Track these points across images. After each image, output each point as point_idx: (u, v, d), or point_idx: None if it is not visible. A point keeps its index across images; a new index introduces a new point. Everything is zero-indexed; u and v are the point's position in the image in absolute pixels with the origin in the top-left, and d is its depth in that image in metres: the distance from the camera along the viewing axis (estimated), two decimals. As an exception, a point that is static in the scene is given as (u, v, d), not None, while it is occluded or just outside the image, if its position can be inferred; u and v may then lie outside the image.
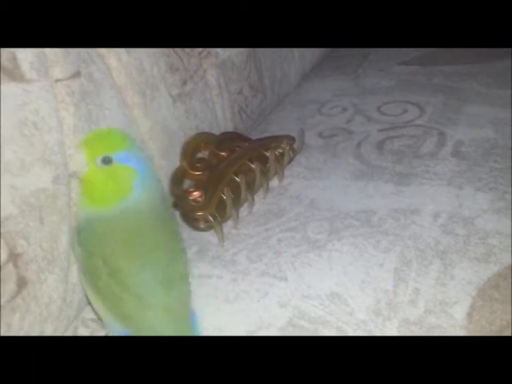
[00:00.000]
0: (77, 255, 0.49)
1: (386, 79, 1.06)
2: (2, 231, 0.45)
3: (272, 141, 0.76)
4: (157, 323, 0.45)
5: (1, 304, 0.45)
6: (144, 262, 0.46)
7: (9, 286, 0.46)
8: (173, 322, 0.46)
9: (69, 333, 0.55)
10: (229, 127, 0.82)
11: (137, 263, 0.46)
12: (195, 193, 0.66)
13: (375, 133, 0.86)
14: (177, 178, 0.68)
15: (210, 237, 0.66)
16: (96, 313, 0.51)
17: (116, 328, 0.48)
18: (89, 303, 0.52)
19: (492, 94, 0.95)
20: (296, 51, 1.05)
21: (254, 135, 0.85)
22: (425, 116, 0.90)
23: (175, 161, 0.69)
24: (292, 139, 0.78)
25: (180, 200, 0.66)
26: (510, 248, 0.59)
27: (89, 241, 0.47)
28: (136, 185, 0.47)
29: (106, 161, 0.47)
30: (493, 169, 0.74)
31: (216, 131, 0.77)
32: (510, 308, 0.52)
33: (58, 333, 0.53)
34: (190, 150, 0.70)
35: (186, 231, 0.67)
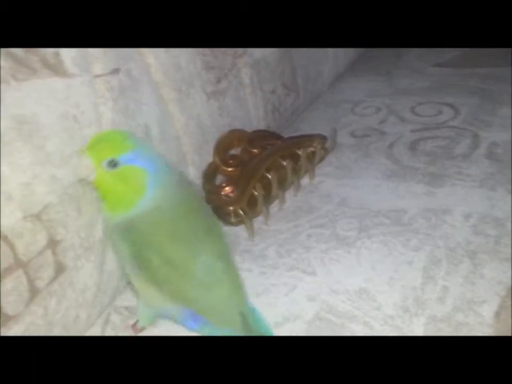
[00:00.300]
0: (121, 251, 0.49)
1: (420, 80, 1.06)
2: (43, 218, 0.47)
3: (304, 140, 0.77)
4: (222, 298, 0.48)
5: (40, 287, 0.47)
6: (195, 246, 0.48)
7: (48, 272, 0.48)
8: (236, 294, 0.49)
9: (102, 319, 0.57)
10: (261, 125, 0.83)
11: (189, 249, 0.48)
12: (227, 188, 0.67)
13: (408, 134, 0.86)
14: (210, 173, 0.70)
15: (240, 231, 0.67)
16: (145, 302, 0.52)
17: (173, 312, 0.50)
18: (138, 294, 0.53)
19: (527, 97, 0.94)
20: (331, 51, 1.05)
21: (287, 134, 0.86)
22: (460, 118, 0.90)
23: (208, 157, 0.71)
24: (324, 138, 0.79)
25: (212, 195, 0.67)
26: (541, 250, 0.59)
27: (133, 239, 0.47)
28: (149, 184, 0.47)
29: (112, 164, 0.46)
30: (526, 172, 0.73)
31: (249, 129, 0.78)
32: (539, 308, 0.52)
33: (92, 319, 0.55)
34: (222, 147, 0.72)
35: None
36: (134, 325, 0.54)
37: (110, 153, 0.46)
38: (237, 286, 0.50)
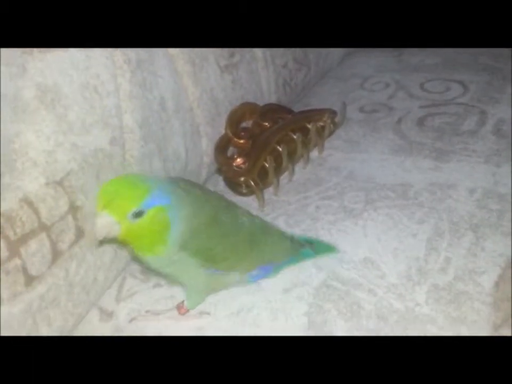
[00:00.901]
0: (188, 265, 0.50)
1: (430, 57, 1.07)
2: (65, 184, 0.49)
3: (314, 114, 0.79)
4: (275, 241, 0.56)
5: (62, 250, 0.49)
6: (235, 221, 0.53)
7: (69, 235, 0.50)
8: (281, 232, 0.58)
9: (118, 283, 0.59)
10: (273, 99, 0.84)
11: (233, 224, 0.53)
12: (238, 160, 0.69)
13: (416, 110, 0.87)
14: (222, 145, 0.71)
15: (251, 201, 0.69)
16: (199, 290, 0.55)
17: (237, 280, 0.54)
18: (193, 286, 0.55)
19: (537, 75, 0.95)
20: (342, 26, 1.06)
21: (297, 108, 0.87)
22: (468, 94, 0.91)
23: (221, 129, 0.73)
24: (334, 113, 0.80)
25: (224, 166, 0.69)
26: (542, 225, 0.60)
27: (193, 248, 0.49)
28: (172, 216, 0.47)
29: (139, 214, 0.45)
30: (532, 148, 0.74)
31: (260, 102, 0.80)
32: (538, 280, 0.54)
33: (109, 282, 0.58)
34: (235, 119, 0.73)
35: (228, 196, 0.70)
36: (181, 306, 0.55)
37: (133, 205, 0.44)
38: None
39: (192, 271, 0.51)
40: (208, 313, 0.55)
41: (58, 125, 0.49)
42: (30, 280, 0.47)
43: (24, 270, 0.46)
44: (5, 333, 0.45)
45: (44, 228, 0.48)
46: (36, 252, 0.47)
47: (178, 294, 0.57)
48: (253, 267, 0.54)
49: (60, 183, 0.49)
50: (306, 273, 0.57)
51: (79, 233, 0.51)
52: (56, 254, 0.49)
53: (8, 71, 0.45)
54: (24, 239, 0.46)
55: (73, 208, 0.50)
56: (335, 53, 1.05)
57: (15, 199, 0.45)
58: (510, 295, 0.52)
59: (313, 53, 0.95)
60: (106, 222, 0.45)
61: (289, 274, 0.57)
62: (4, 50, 0.45)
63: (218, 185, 0.74)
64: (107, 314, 0.56)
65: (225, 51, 0.73)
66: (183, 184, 0.51)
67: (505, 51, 1.06)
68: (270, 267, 0.56)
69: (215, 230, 0.50)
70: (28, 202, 0.46)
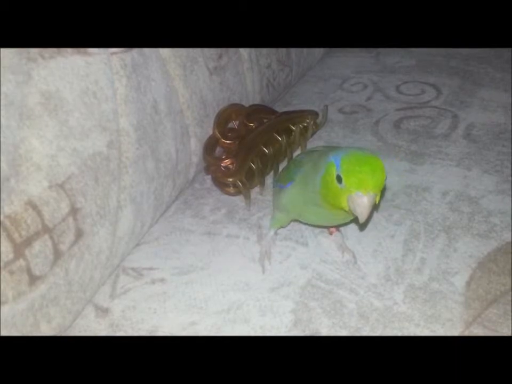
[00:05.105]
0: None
1: (405, 58, 1.11)
2: (66, 187, 0.51)
3: (298, 116, 0.82)
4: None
5: (63, 250, 0.52)
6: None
7: (69, 236, 0.52)
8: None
9: (112, 279, 0.62)
10: (257, 99, 0.87)
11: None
12: (227, 160, 0.71)
13: (393, 112, 0.91)
14: (210, 145, 0.74)
15: (238, 201, 0.72)
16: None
17: None
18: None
19: (506, 79, 1.00)
20: (322, 27, 1.09)
21: (278, 107, 0.90)
22: (441, 98, 0.95)
23: (209, 130, 0.75)
24: (316, 114, 0.84)
25: (212, 166, 0.72)
26: (510, 227, 0.65)
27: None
28: None
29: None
30: (500, 153, 0.79)
31: (246, 103, 0.82)
32: (506, 279, 0.58)
33: (104, 279, 0.60)
34: (222, 120, 0.76)
35: (216, 194, 0.73)
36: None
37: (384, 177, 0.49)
38: None
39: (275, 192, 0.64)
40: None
41: (60, 130, 0.50)
42: (33, 280, 0.49)
43: (28, 270, 0.48)
44: (8, 331, 0.47)
45: (46, 229, 0.50)
46: (39, 252, 0.49)
47: (170, 291, 0.59)
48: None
49: (61, 186, 0.51)
50: (292, 273, 0.61)
51: (79, 234, 0.53)
52: (57, 254, 0.51)
53: (15, 79, 0.47)
54: (28, 241, 0.48)
55: (74, 210, 0.52)
56: (316, 52, 1.08)
57: (21, 203, 0.47)
58: (480, 295, 0.57)
59: (295, 53, 0.97)
60: (372, 200, 0.48)
61: (276, 274, 0.61)
62: (10, 57, 0.47)
63: (206, 183, 0.76)
64: (102, 311, 0.58)
65: (214, 53, 0.75)
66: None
67: (475, 54, 1.11)
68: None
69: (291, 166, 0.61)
70: (32, 205, 0.48)
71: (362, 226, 0.66)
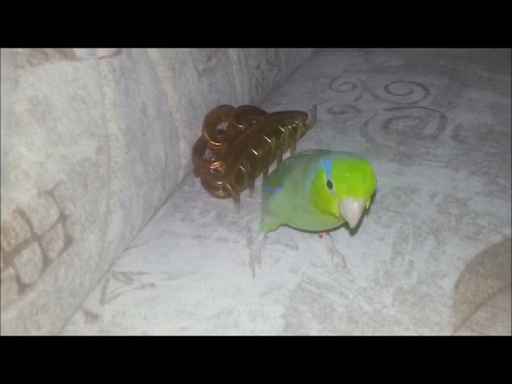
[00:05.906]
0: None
1: (394, 57, 1.11)
2: (55, 194, 0.51)
3: (287, 117, 0.81)
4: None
5: (52, 257, 0.51)
6: None
7: (58, 243, 0.52)
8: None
9: (101, 284, 0.62)
10: (246, 100, 0.87)
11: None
12: (216, 163, 0.71)
13: (382, 112, 0.92)
14: (199, 148, 0.74)
15: (227, 203, 0.72)
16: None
17: None
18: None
19: (494, 79, 1.01)
20: (311, 26, 1.09)
21: (267, 106, 0.90)
22: (429, 98, 0.96)
23: (198, 132, 0.75)
24: (305, 115, 0.84)
25: (201, 169, 0.71)
26: (497, 229, 0.66)
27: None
28: None
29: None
30: (488, 154, 0.80)
31: (235, 104, 0.82)
32: (493, 282, 0.59)
33: (93, 285, 0.60)
34: (211, 122, 0.76)
35: (205, 197, 0.73)
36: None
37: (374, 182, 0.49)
38: None
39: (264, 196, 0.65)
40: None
41: (48, 136, 0.50)
42: (22, 288, 0.48)
43: (18, 278, 0.48)
44: (-2, 338, 0.47)
45: (35, 237, 0.49)
46: (28, 261, 0.48)
47: (160, 296, 0.59)
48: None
49: (50, 193, 0.50)
50: (282, 277, 0.61)
51: (68, 241, 0.53)
52: (46, 262, 0.51)
53: (3, 86, 0.46)
54: (17, 249, 0.47)
55: (63, 217, 0.52)
56: (304, 51, 1.08)
57: (9, 211, 0.47)
58: (469, 297, 0.57)
59: (284, 53, 0.97)
60: (362, 205, 0.48)
61: (267, 278, 0.61)
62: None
63: (195, 185, 0.76)
64: (92, 317, 0.58)
65: (203, 55, 0.75)
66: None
67: (463, 53, 1.11)
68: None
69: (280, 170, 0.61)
70: (21, 213, 0.48)
71: (352, 231, 0.66)
